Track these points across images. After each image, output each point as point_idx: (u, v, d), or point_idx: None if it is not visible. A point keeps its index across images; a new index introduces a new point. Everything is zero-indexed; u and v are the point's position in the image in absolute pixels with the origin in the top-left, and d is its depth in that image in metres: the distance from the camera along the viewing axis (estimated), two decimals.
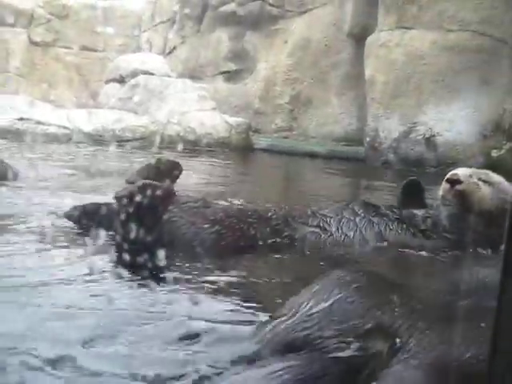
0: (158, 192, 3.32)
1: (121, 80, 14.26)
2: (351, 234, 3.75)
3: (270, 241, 3.66)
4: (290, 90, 14.47)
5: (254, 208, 3.97)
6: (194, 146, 12.03)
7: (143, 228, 3.23)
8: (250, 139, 13.25)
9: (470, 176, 3.80)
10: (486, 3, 10.47)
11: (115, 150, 11.10)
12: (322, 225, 3.80)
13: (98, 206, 3.81)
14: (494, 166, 7.06)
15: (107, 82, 14.83)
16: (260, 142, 13.43)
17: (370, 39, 11.99)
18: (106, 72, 15.34)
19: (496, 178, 3.92)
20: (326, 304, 1.96)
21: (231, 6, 15.42)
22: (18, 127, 12.50)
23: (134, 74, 14.11)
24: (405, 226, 3.81)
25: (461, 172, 3.84)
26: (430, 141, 10.78)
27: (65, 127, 12.69)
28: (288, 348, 1.89)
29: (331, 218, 3.84)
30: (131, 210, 3.25)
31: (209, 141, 12.60)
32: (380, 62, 11.63)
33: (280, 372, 1.78)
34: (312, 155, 12.36)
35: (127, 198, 3.27)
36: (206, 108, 13.52)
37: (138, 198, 3.25)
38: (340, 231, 3.77)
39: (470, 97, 10.45)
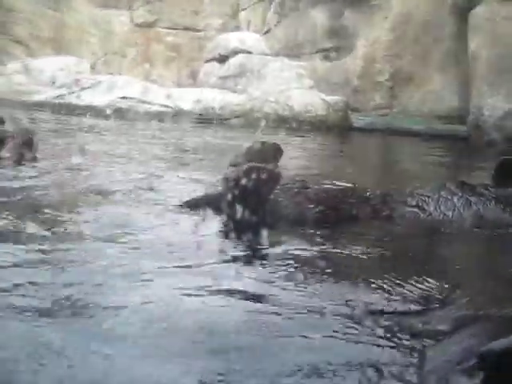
0: (264, 174, 3.39)
1: (220, 59, 14.43)
2: (449, 213, 3.74)
3: (369, 220, 3.69)
4: (389, 66, 14.19)
5: (353, 188, 3.98)
6: (292, 125, 12.05)
7: (249, 209, 3.35)
8: (348, 118, 13.13)
9: None
10: None
11: (215, 128, 11.29)
12: (420, 204, 3.81)
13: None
14: None
15: (207, 61, 15.03)
16: (358, 120, 13.28)
17: (474, 12, 11.57)
18: (205, 51, 15.54)
19: None
20: None
21: None
22: (121, 106, 12.92)
23: (233, 52, 14.25)
24: (501, 205, 3.74)
25: None
26: None
27: (166, 106, 13.01)
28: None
29: (429, 197, 3.84)
30: (238, 191, 3.34)
31: (306, 119, 12.59)
32: (485, 36, 11.22)
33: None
34: (412, 134, 12.10)
35: (234, 180, 3.36)
36: (303, 86, 13.50)
37: (244, 181, 3.33)
38: (438, 210, 3.75)
39: None
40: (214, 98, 13.13)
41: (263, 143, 4.25)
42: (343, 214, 3.66)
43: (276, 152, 4.17)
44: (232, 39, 14.75)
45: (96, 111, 12.52)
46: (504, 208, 3.74)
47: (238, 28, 16.84)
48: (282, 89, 13.14)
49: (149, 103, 13.05)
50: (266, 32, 16.72)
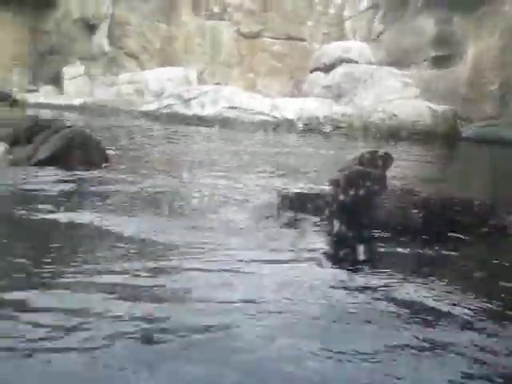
0: (371, 179, 3.47)
1: (325, 68, 14.43)
2: None
3: (475, 229, 3.62)
4: (500, 75, 13.72)
5: (459, 196, 3.93)
6: (398, 134, 11.87)
7: (357, 212, 3.43)
8: (456, 127, 12.80)
9: None
10: None
11: (320, 138, 11.28)
12: None
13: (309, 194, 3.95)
14: None
15: (312, 70, 15.06)
16: (468, 130, 12.91)
17: None
18: (310, 61, 15.58)
19: None
20: None
21: None
22: (227, 115, 13.15)
23: (338, 62, 14.21)
24: None
25: None
26: None
27: (270, 115, 13.12)
28: None
29: None
30: (346, 195, 3.38)
31: (413, 128, 12.36)
32: None
33: None
34: None
35: (343, 183, 3.41)
36: (410, 95, 13.29)
37: (352, 185, 3.36)
38: None
39: None
40: (318, 108, 13.12)
41: (374, 152, 4.25)
42: (448, 221, 3.60)
43: (386, 161, 4.16)
44: (337, 48, 14.73)
45: (203, 121, 12.80)
46: None
47: (343, 37, 16.76)
48: (389, 98, 12.97)
49: (254, 113, 13.20)
50: (373, 40, 16.56)
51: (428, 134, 12.22)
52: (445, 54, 15.11)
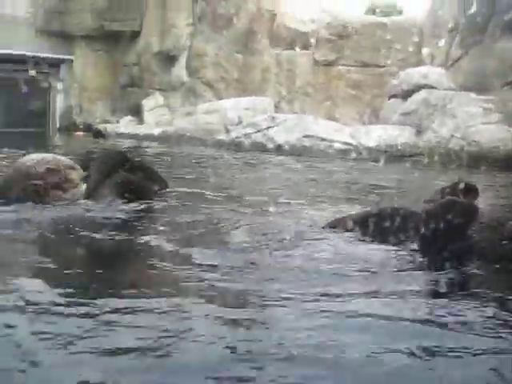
0: (465, 209, 3.47)
1: (403, 95, 14.33)
2: None
3: None
4: None
5: None
6: (480, 161, 11.64)
7: (448, 241, 3.42)
8: None
9: None
10: None
11: (400, 167, 11.19)
12: None
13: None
14: None
15: (390, 97, 15.00)
16: None
17: None
18: (387, 87, 15.52)
19: None
20: None
21: None
22: (305, 144, 13.24)
23: (417, 88, 14.10)
24: None
25: None
26: None
27: (348, 143, 13.13)
28: None
29: None
30: (439, 224, 3.38)
31: (495, 155, 12.10)
32: None
33: None
34: None
35: (434, 213, 3.43)
36: (491, 121, 13.02)
37: (443, 214, 3.35)
38: None
39: None
40: (397, 136, 13.04)
41: (457, 184, 4.25)
42: None
43: (471, 192, 4.16)
44: (414, 74, 14.63)
45: (281, 149, 12.94)
46: None
47: (420, 63, 16.63)
48: (469, 124, 12.76)
49: (331, 141, 13.23)
50: (451, 65, 16.36)
51: (510, 160, 11.92)
52: None
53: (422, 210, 3.72)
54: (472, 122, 12.85)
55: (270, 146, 13.38)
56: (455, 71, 16.05)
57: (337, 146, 13.13)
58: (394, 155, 12.42)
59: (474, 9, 15.85)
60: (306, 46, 18.55)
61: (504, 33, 15.16)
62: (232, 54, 18.95)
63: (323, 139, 13.30)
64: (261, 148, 13.42)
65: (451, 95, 13.63)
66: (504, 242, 3.53)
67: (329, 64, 18.08)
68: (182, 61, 19.59)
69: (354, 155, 12.65)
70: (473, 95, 13.71)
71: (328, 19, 18.26)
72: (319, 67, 18.08)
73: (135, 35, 19.99)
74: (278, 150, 13.11)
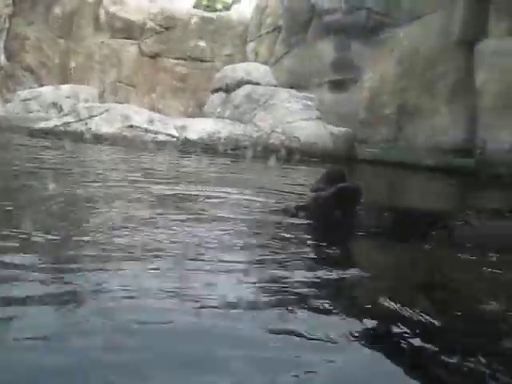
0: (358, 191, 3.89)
1: (226, 89, 14.46)
2: None
3: None
4: (396, 99, 14.15)
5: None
6: (298, 156, 11.99)
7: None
8: (354, 150, 13.12)
9: None
10: None
11: (220, 159, 11.24)
12: None
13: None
14: None
15: (213, 91, 15.06)
16: (365, 152, 13.25)
17: (479, 47, 11.62)
18: (212, 82, 15.59)
19: None
20: None
21: (337, 16, 15.36)
22: (127, 134, 12.93)
23: (240, 83, 14.27)
24: None
25: None
26: None
27: (171, 135, 13.00)
28: None
29: None
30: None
31: (313, 151, 12.55)
32: (491, 70, 11.23)
33: None
34: (418, 167, 12.03)
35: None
36: (310, 118, 13.50)
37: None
38: None
39: None
40: (220, 129, 13.12)
41: (335, 169, 4.60)
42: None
43: (344, 176, 4.46)
44: (239, 70, 14.79)
45: (102, 139, 12.54)
46: None
47: (245, 59, 16.91)
48: (289, 120, 13.14)
49: (155, 132, 13.04)
50: (275, 63, 16.79)
51: (326, 156, 12.40)
52: (343, 78, 15.52)
53: (314, 197, 4.01)
54: (292, 117, 13.24)
55: (90, 135, 12.91)
56: (278, 68, 16.50)
57: (161, 137, 12.95)
58: (216, 148, 12.47)
59: (294, 8, 16.39)
60: (132, 36, 18.21)
61: (324, 34, 15.81)
62: (54, 38, 18.16)
63: (147, 130, 13.07)
64: (81, 138, 12.89)
65: (273, 91, 13.95)
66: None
67: (155, 55, 17.88)
68: (0, 43, 18.47)
69: (177, 147, 12.54)
70: (294, 92, 14.13)
71: (155, 10, 18.05)
72: (145, 58, 17.83)
73: None
74: (99, 139, 12.68)
